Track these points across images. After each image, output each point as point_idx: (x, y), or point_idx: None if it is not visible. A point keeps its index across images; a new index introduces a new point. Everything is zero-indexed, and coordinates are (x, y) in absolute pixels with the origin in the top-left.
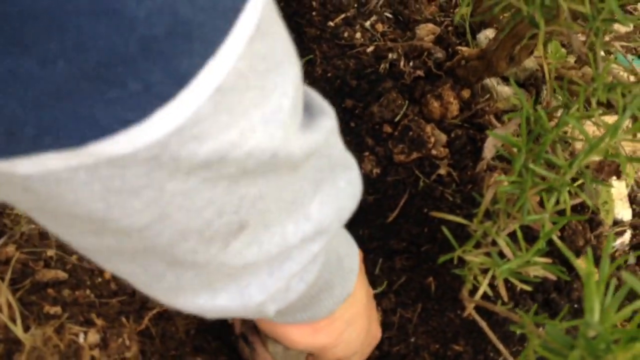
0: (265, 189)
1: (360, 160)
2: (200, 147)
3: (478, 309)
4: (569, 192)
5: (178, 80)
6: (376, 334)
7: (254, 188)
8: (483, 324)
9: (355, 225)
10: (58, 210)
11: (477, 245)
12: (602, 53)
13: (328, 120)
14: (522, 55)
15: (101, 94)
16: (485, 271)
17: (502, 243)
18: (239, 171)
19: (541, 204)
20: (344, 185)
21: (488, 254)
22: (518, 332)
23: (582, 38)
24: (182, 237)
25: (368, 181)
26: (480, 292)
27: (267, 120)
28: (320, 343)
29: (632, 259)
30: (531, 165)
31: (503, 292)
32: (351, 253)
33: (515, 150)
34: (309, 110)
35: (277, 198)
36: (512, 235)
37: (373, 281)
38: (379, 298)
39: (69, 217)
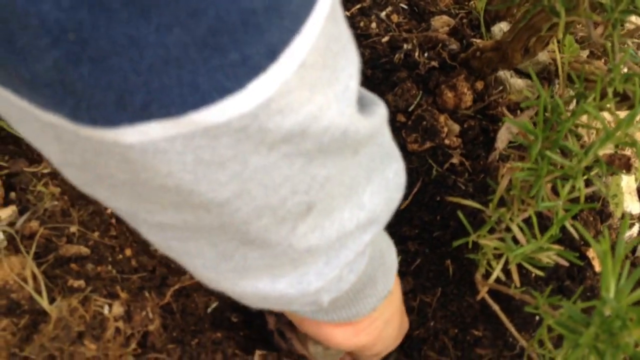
0: (333, 170)
1: None
2: (284, 119)
3: (495, 294)
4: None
5: (270, 53)
6: (406, 326)
7: (323, 169)
8: (496, 307)
9: None
10: (149, 182)
11: (491, 231)
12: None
13: (382, 108)
14: (537, 47)
15: (205, 62)
16: (499, 256)
17: (516, 229)
18: (315, 147)
19: (554, 191)
20: (392, 176)
21: (502, 240)
22: (532, 312)
23: (599, 30)
24: (257, 214)
25: None
26: (493, 276)
27: (339, 98)
28: (362, 343)
29: None
30: (547, 152)
31: (516, 276)
32: (391, 249)
33: (531, 137)
34: (361, 101)
35: (340, 182)
36: (526, 222)
37: None
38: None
39: (157, 190)
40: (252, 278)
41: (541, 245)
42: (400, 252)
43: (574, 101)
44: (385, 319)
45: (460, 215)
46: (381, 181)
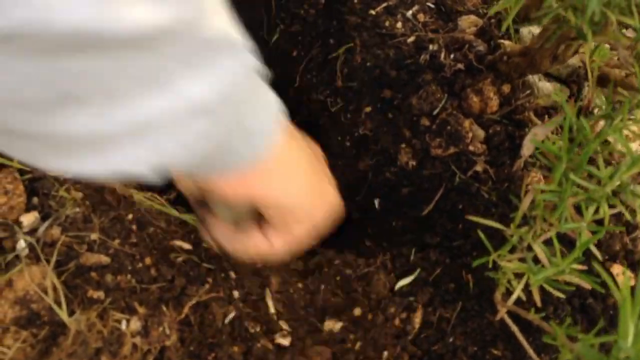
0: (94, 64)
1: (396, 152)
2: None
3: (517, 314)
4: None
5: None
6: (331, 199)
7: (75, 63)
8: (515, 328)
9: (389, 216)
10: None
11: (512, 249)
12: None
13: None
14: (567, 54)
15: None
16: (519, 275)
17: (538, 249)
18: (50, 46)
19: (578, 211)
20: (230, 64)
21: (523, 259)
22: (550, 342)
23: (628, 51)
24: (9, 111)
25: (404, 173)
26: (513, 298)
27: None
28: (254, 193)
29: None
30: (571, 176)
31: (537, 298)
32: (263, 115)
33: (555, 157)
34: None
35: (120, 74)
36: (548, 240)
37: (408, 270)
38: (416, 289)
39: None
40: (62, 159)
41: (564, 268)
42: (420, 260)
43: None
44: (278, 173)
45: (481, 234)
46: (213, 70)
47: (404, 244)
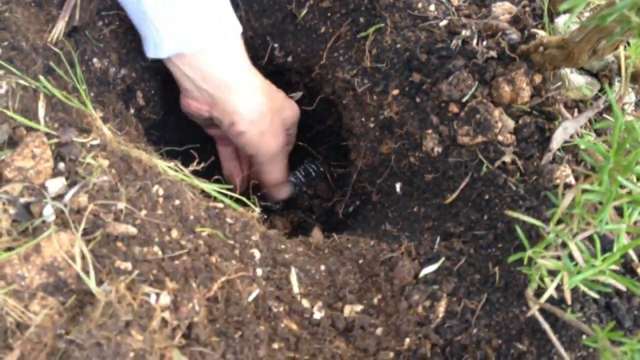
0: None
1: (422, 137)
2: None
3: (543, 309)
4: None
5: None
6: (281, 104)
7: None
8: (546, 326)
9: (411, 201)
10: None
11: (546, 246)
12: None
13: None
14: (607, 50)
15: None
16: (552, 272)
17: (575, 248)
18: None
19: (618, 212)
20: None
21: (557, 257)
22: (591, 345)
23: None
24: None
25: (428, 159)
26: (546, 295)
27: None
28: (191, 76)
29: None
30: (619, 178)
31: (568, 296)
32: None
33: (601, 159)
34: None
35: None
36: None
37: (432, 258)
38: (441, 277)
39: None
40: None
41: (602, 270)
42: (444, 249)
43: None
44: (204, 64)
45: (519, 230)
46: None
47: (426, 230)
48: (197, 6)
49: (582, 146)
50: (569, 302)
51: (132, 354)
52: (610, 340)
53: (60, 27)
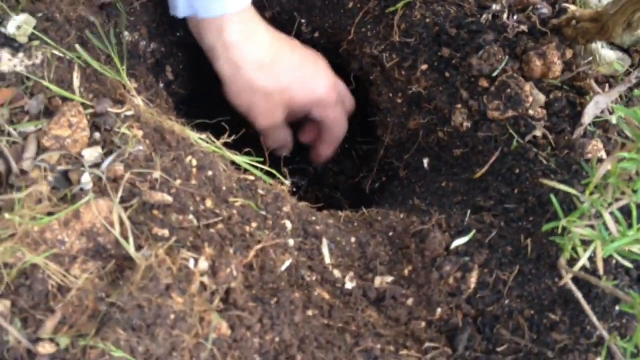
0: None
1: (451, 112)
2: None
3: (576, 280)
4: None
5: None
6: (313, 75)
7: None
8: (579, 295)
9: (439, 176)
10: None
11: (580, 217)
12: None
13: None
14: None
15: None
16: (585, 242)
17: (609, 218)
18: None
19: None
20: None
21: (591, 227)
22: (628, 311)
23: None
24: None
25: (457, 134)
26: (580, 264)
27: None
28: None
29: None
30: None
31: (601, 267)
32: None
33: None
34: None
35: None
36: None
37: (462, 231)
38: (472, 250)
39: None
40: None
41: (637, 238)
42: (475, 222)
43: None
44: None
45: (554, 199)
46: None
47: (455, 205)
48: None
49: (620, 114)
50: (602, 272)
51: (172, 316)
52: None
53: None
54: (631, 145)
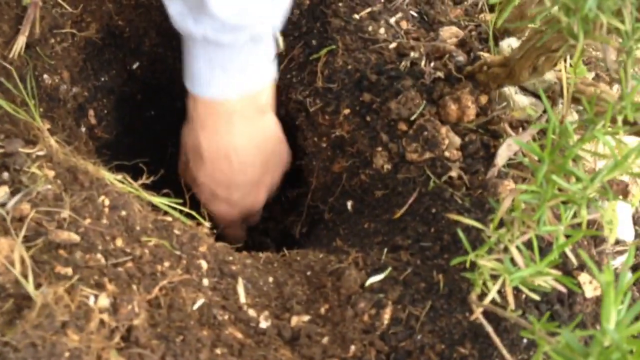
0: None
1: (372, 155)
2: None
3: (486, 314)
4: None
5: None
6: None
7: None
8: (489, 328)
9: (362, 218)
10: None
11: (489, 252)
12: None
13: None
14: (546, 66)
15: None
16: (495, 277)
17: (515, 251)
18: None
19: (555, 215)
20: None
21: (499, 261)
22: (527, 338)
23: (613, 56)
24: None
25: (378, 176)
26: (489, 297)
27: None
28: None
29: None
30: (553, 177)
31: (511, 299)
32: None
33: (536, 159)
34: None
35: None
36: (524, 244)
37: (379, 268)
38: (387, 286)
39: None
40: None
41: (540, 270)
42: (391, 260)
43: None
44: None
45: (460, 233)
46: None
47: (375, 245)
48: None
49: (509, 140)
50: (512, 304)
51: (67, 354)
52: (547, 333)
53: (21, 42)
54: (532, 179)
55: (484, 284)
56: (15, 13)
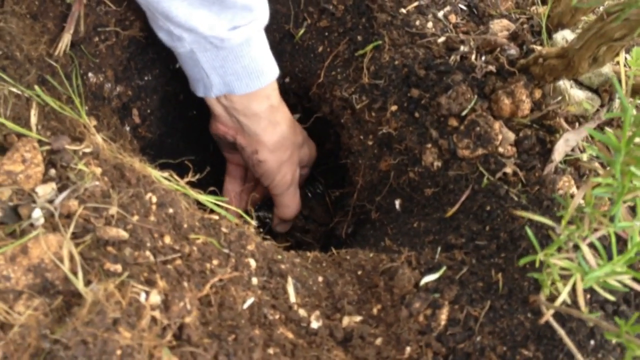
0: None
1: (421, 152)
2: None
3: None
4: None
5: None
6: (302, 141)
7: None
8: (561, 331)
9: (411, 217)
10: None
11: (557, 250)
12: None
13: None
14: (607, 56)
15: None
16: (563, 277)
17: (586, 249)
18: None
19: (631, 210)
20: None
21: (569, 259)
22: (614, 340)
23: None
24: None
25: (428, 174)
26: (560, 299)
27: None
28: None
29: None
30: (632, 168)
31: (581, 300)
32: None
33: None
34: None
35: None
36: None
37: (432, 267)
38: (442, 286)
39: None
40: None
41: (617, 269)
42: (445, 259)
43: None
44: (243, 100)
45: (529, 231)
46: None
47: (427, 244)
48: (244, 57)
49: (575, 141)
50: (582, 305)
51: (119, 352)
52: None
53: (66, 40)
54: (605, 172)
55: (552, 284)
56: (60, 11)
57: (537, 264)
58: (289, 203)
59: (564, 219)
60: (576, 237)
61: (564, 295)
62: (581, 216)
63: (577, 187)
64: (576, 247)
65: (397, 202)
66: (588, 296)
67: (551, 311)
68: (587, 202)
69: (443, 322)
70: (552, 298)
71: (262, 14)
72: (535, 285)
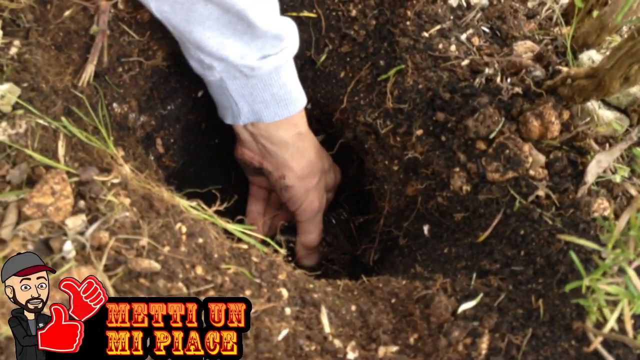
0: None
1: (449, 176)
2: None
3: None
4: None
5: None
6: (329, 167)
7: None
8: (610, 359)
9: (441, 242)
10: None
11: (602, 274)
12: None
13: None
14: (639, 75)
15: None
16: (608, 302)
17: (633, 274)
18: None
19: None
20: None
21: (616, 284)
22: None
23: None
24: None
25: (457, 198)
26: (609, 325)
27: None
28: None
29: None
30: None
31: (629, 326)
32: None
33: None
34: None
35: None
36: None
37: (468, 294)
38: (480, 314)
39: None
40: None
41: None
42: (481, 285)
43: None
44: (270, 127)
45: (574, 256)
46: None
47: (459, 270)
48: (272, 86)
49: (607, 162)
50: (630, 331)
51: None
52: None
53: (89, 71)
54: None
55: (599, 310)
56: (84, 42)
57: (583, 290)
58: (314, 230)
59: (609, 242)
60: (621, 261)
61: (612, 322)
62: (625, 239)
63: (612, 209)
64: (621, 271)
65: (426, 228)
66: (632, 322)
67: (600, 338)
68: (632, 225)
69: (484, 351)
70: (597, 325)
71: (293, 43)
72: (577, 312)
